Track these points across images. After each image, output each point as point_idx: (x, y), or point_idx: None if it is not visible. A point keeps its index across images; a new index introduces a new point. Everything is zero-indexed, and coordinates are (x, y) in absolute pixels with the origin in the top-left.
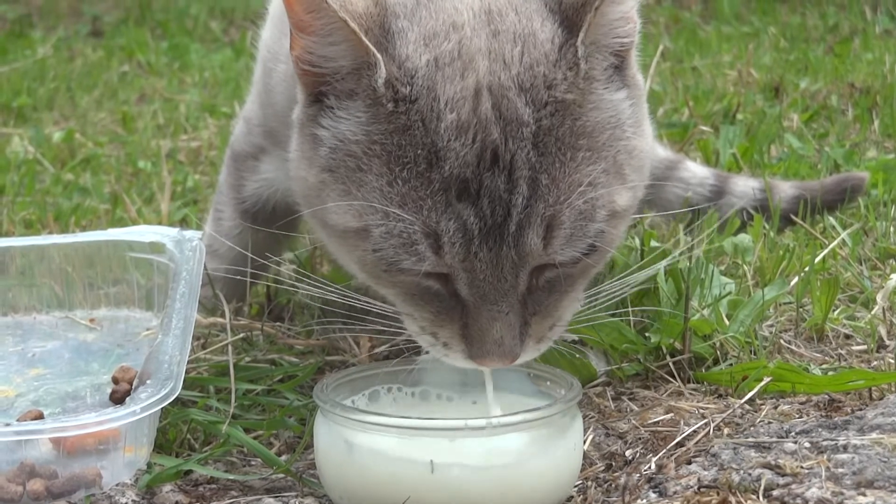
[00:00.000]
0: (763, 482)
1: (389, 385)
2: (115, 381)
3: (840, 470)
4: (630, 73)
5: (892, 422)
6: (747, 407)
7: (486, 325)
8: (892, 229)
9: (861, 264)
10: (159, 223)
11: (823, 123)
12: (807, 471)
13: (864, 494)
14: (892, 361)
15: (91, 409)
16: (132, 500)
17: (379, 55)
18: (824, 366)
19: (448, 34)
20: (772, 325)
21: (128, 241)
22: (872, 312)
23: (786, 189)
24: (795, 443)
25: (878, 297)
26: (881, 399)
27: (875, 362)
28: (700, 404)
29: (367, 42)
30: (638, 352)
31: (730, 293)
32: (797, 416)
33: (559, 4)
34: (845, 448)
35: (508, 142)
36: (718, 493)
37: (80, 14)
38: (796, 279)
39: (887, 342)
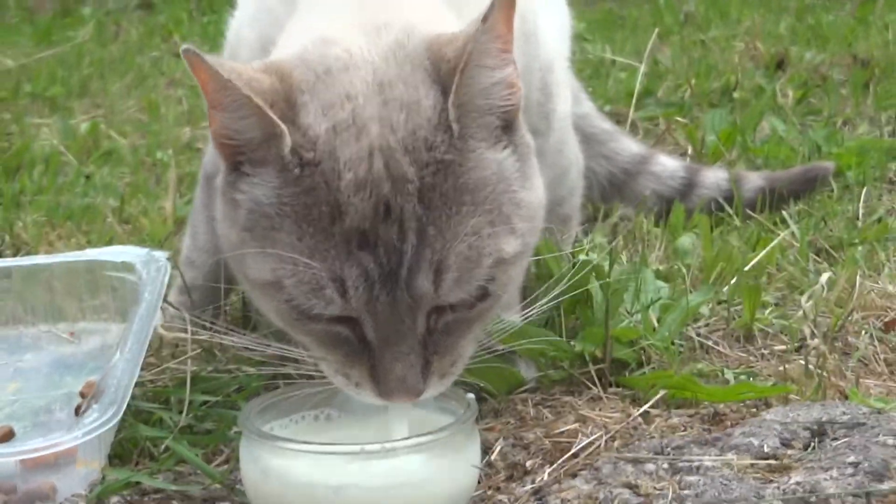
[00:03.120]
0: (617, 502)
1: (313, 409)
2: (82, 395)
3: (685, 492)
4: (519, 134)
5: (750, 442)
6: (648, 415)
7: (390, 365)
8: (858, 213)
9: (816, 256)
10: (164, 220)
11: (821, 99)
12: (658, 492)
13: None
14: (805, 364)
15: (59, 422)
16: None
17: (284, 126)
18: (739, 370)
19: (343, 104)
20: (702, 327)
21: (103, 261)
22: (800, 313)
23: (754, 179)
24: (655, 463)
25: (803, 300)
26: (756, 416)
27: (790, 365)
28: (607, 413)
29: (272, 115)
30: (563, 359)
31: (660, 298)
32: (682, 429)
33: (438, 73)
34: (697, 469)
35: (398, 197)
36: None
37: None
38: (734, 280)
39: (809, 342)
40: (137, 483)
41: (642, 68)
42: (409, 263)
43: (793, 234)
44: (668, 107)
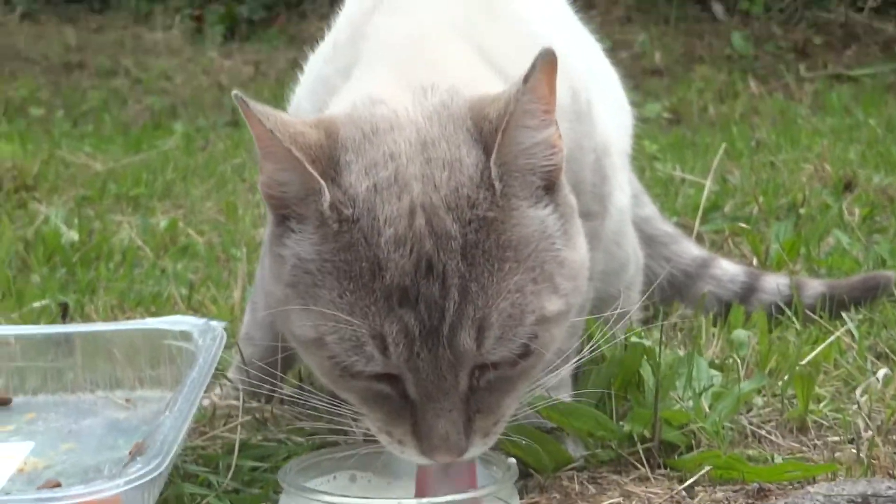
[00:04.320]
0: None
1: (353, 469)
2: (131, 455)
3: None
4: (561, 194)
5: None
6: (693, 490)
7: (433, 422)
8: None
9: (875, 360)
10: (231, 309)
11: (888, 218)
12: None
13: None
14: (857, 452)
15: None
16: None
17: (323, 182)
18: (789, 456)
19: (387, 163)
20: (755, 416)
21: (162, 329)
22: (856, 407)
23: (814, 286)
24: None
25: (858, 392)
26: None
27: (837, 453)
28: (652, 490)
29: (312, 170)
30: (611, 439)
31: (712, 386)
32: (726, 503)
33: (480, 133)
34: None
35: (440, 253)
36: None
37: (221, 106)
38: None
39: (863, 434)
40: None
41: (709, 183)
42: (450, 320)
43: (851, 334)
44: (735, 220)
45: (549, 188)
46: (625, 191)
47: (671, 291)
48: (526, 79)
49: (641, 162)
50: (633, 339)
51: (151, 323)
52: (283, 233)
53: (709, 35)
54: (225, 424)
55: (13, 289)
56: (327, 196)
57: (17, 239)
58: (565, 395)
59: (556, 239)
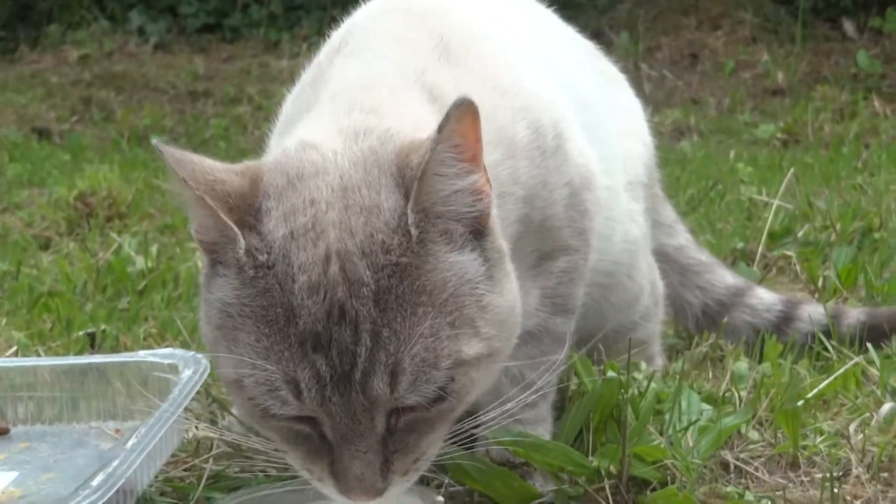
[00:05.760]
0: None
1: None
2: None
3: None
4: (489, 239)
5: None
6: None
7: (348, 463)
8: None
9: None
10: None
11: None
12: None
13: None
14: (831, 489)
15: None
16: None
17: (238, 230)
18: (764, 493)
19: (306, 209)
20: (743, 451)
21: (152, 362)
22: (853, 442)
23: (853, 315)
24: None
25: (851, 428)
26: None
27: (820, 492)
28: None
29: (227, 219)
30: (580, 474)
31: (697, 420)
32: None
33: (403, 179)
34: None
35: (353, 300)
36: None
37: None
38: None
39: (854, 471)
40: None
41: (775, 204)
42: (363, 366)
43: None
44: (806, 245)
45: (476, 233)
46: (638, 222)
47: (705, 321)
48: (440, 128)
49: (728, 184)
50: (610, 373)
51: (143, 356)
52: (211, 276)
53: (836, 54)
54: (197, 454)
55: (62, 317)
56: (242, 243)
57: (90, 268)
58: (543, 431)
59: (479, 284)
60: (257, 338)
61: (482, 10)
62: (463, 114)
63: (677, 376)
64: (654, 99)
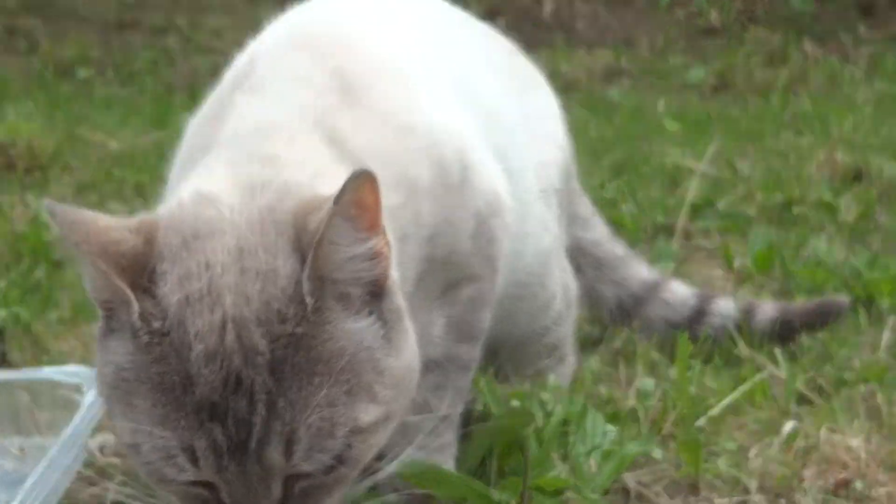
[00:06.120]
0: None
1: None
2: None
3: None
4: (387, 300)
5: None
6: None
7: None
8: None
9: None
10: None
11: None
12: None
13: None
14: None
15: None
16: None
17: (131, 293)
18: None
19: (201, 274)
20: (646, 474)
21: (56, 380)
22: (752, 467)
23: (767, 310)
24: None
25: (752, 452)
26: None
27: None
28: None
29: (120, 283)
30: None
31: (599, 447)
32: None
33: (299, 243)
34: None
35: (248, 369)
36: None
37: None
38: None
39: (752, 497)
40: None
41: (698, 174)
42: (258, 435)
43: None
44: (726, 219)
45: (375, 294)
46: (550, 231)
47: (620, 314)
48: (336, 199)
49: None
50: (515, 402)
51: (47, 373)
52: (107, 333)
53: None
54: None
55: None
56: (136, 308)
57: (6, 234)
58: (448, 457)
59: (376, 349)
60: (153, 403)
61: (388, 35)
62: (360, 184)
63: (582, 396)
64: (586, 37)
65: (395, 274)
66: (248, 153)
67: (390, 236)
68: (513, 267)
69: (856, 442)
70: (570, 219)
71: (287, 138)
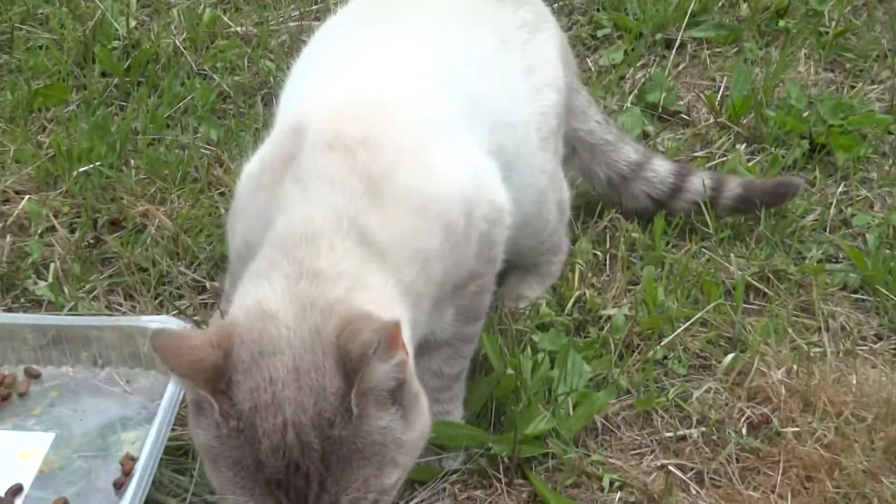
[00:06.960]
0: None
1: None
2: (122, 466)
3: None
4: (406, 389)
5: None
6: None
7: None
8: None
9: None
10: None
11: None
12: None
13: None
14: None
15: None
16: None
17: (213, 399)
18: (616, 476)
19: (266, 388)
20: (614, 403)
21: (144, 327)
22: (702, 396)
23: (733, 187)
24: None
25: (696, 394)
26: None
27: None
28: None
29: (204, 392)
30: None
31: (574, 390)
32: None
33: (343, 366)
34: None
35: (305, 460)
36: None
37: None
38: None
39: (692, 431)
40: None
41: None
42: (312, 502)
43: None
44: (720, 29)
45: (398, 388)
46: (547, 171)
47: (609, 189)
48: (374, 349)
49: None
50: (510, 371)
51: (145, 321)
52: (197, 411)
53: None
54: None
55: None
56: (216, 409)
57: (77, 41)
58: (457, 405)
59: (398, 430)
60: (235, 474)
61: (408, 101)
62: (387, 332)
63: (566, 341)
64: None
65: (410, 362)
66: (298, 267)
67: (405, 334)
68: (513, 213)
69: (780, 374)
70: (568, 111)
71: (328, 247)
